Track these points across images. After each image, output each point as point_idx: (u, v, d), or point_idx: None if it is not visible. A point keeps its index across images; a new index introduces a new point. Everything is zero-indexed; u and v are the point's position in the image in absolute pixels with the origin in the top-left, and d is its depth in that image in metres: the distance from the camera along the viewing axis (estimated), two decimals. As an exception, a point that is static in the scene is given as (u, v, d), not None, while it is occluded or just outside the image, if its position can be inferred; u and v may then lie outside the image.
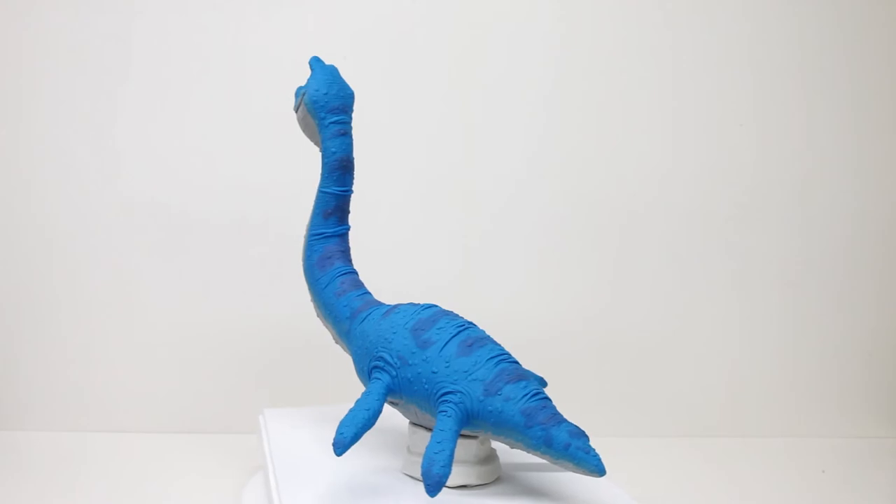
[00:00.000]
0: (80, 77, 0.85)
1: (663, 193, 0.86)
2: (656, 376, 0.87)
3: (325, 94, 0.61)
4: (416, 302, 0.60)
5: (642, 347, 0.87)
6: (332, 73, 0.63)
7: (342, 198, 0.62)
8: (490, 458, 0.57)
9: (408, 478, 0.57)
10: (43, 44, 0.84)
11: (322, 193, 0.62)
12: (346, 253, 0.63)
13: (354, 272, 0.63)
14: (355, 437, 0.53)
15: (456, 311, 0.59)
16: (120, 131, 0.85)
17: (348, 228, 0.63)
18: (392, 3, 0.85)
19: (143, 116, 0.85)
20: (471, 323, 0.57)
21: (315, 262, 0.63)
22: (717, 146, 0.86)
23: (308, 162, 0.85)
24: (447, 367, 0.53)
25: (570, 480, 0.56)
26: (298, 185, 0.86)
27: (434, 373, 0.53)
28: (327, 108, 0.61)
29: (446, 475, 0.50)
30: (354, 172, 0.63)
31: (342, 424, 0.53)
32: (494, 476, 0.57)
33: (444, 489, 0.54)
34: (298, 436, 0.64)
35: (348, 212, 0.63)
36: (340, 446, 0.52)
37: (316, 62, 0.64)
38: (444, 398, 0.52)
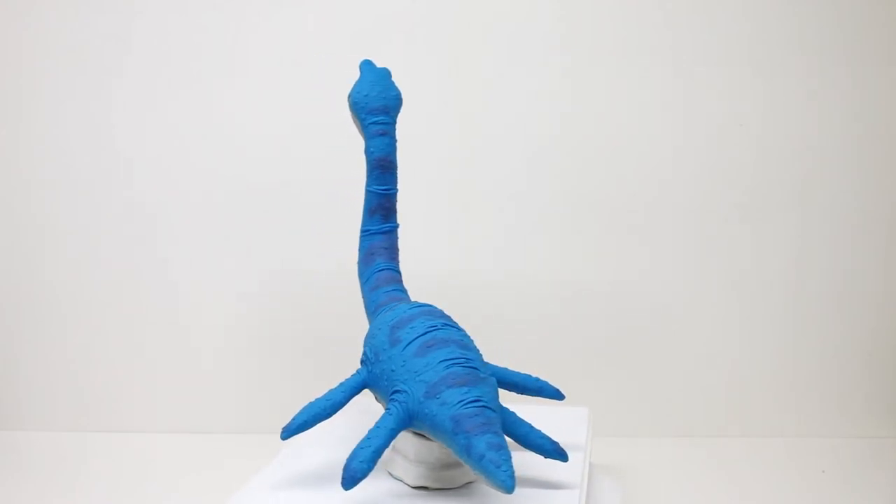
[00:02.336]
0: (80, 77, 0.85)
1: (663, 193, 0.86)
2: (656, 376, 0.87)
3: (366, 95, 0.62)
4: (418, 301, 0.61)
5: (641, 347, 0.87)
6: (378, 75, 0.64)
7: (384, 196, 0.63)
8: (457, 463, 0.55)
9: (388, 475, 0.57)
10: (43, 44, 0.84)
11: (366, 192, 0.64)
12: (389, 250, 0.64)
13: (393, 269, 0.64)
14: (302, 425, 0.55)
15: (446, 310, 0.59)
16: (120, 131, 0.85)
17: (394, 226, 0.64)
18: (392, 3, 0.85)
19: (144, 116, 0.85)
20: (448, 325, 0.56)
21: (361, 259, 0.64)
22: (717, 146, 0.86)
23: (307, 162, 0.85)
24: (403, 366, 0.53)
25: (543, 497, 0.55)
26: (299, 185, 0.86)
27: (392, 371, 0.54)
28: (367, 109, 0.62)
29: (362, 471, 0.50)
30: (397, 172, 0.64)
31: (299, 411, 0.55)
32: (460, 482, 0.56)
33: (405, 486, 0.55)
34: (326, 427, 0.65)
35: (394, 210, 0.64)
36: (286, 430, 0.55)
37: (365, 65, 0.65)
38: (392, 396, 0.53)
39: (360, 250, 0.64)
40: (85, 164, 0.85)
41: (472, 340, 0.56)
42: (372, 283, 0.63)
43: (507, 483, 0.46)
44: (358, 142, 0.65)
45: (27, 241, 0.86)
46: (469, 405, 0.50)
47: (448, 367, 0.52)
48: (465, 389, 0.51)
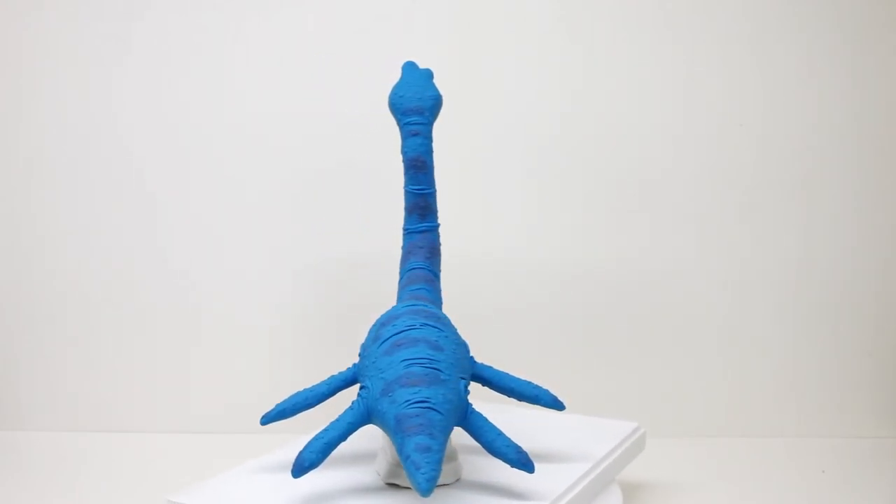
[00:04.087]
0: (80, 76, 0.85)
1: (663, 194, 0.86)
2: (656, 376, 0.87)
3: (401, 96, 0.63)
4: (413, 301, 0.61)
5: (641, 348, 0.87)
6: (417, 76, 0.64)
7: (419, 196, 0.63)
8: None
9: (376, 475, 0.57)
10: (43, 44, 0.84)
11: (404, 191, 0.64)
12: (425, 249, 0.63)
13: (425, 268, 0.63)
14: (281, 413, 0.57)
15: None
16: (121, 131, 0.85)
17: (433, 226, 0.64)
18: (392, 3, 0.85)
19: (145, 116, 0.85)
20: (429, 325, 0.55)
21: (402, 257, 0.64)
22: (717, 146, 0.86)
23: (306, 163, 0.86)
24: (373, 363, 0.54)
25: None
26: (300, 185, 0.86)
27: (366, 367, 0.54)
28: (401, 109, 0.63)
29: (310, 461, 0.50)
30: (433, 172, 0.63)
31: (282, 400, 0.57)
32: (444, 481, 0.55)
33: (377, 482, 0.56)
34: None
35: (431, 209, 0.64)
36: (265, 417, 0.57)
37: (406, 66, 0.65)
38: (358, 392, 0.54)
39: (402, 248, 0.65)
40: (84, 164, 0.85)
41: (455, 342, 0.55)
42: (404, 282, 0.63)
43: (423, 486, 0.46)
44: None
45: (27, 241, 0.86)
46: (413, 405, 0.50)
47: (408, 366, 0.52)
48: (416, 390, 0.50)
